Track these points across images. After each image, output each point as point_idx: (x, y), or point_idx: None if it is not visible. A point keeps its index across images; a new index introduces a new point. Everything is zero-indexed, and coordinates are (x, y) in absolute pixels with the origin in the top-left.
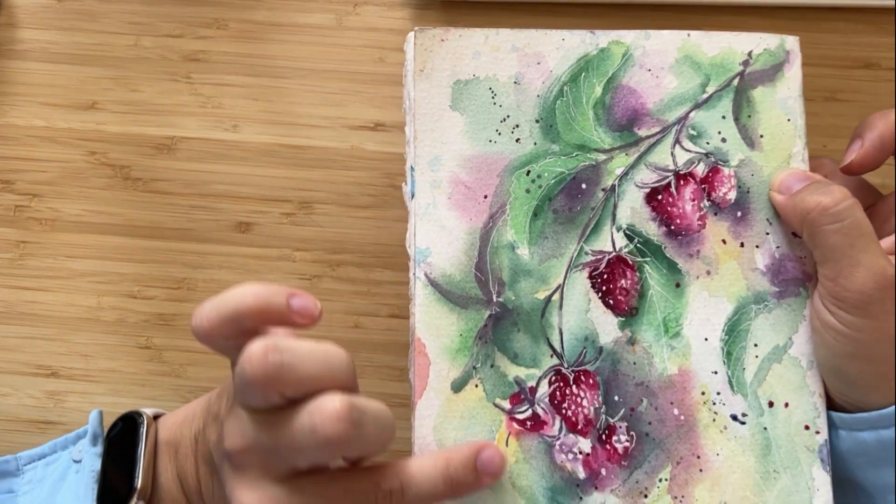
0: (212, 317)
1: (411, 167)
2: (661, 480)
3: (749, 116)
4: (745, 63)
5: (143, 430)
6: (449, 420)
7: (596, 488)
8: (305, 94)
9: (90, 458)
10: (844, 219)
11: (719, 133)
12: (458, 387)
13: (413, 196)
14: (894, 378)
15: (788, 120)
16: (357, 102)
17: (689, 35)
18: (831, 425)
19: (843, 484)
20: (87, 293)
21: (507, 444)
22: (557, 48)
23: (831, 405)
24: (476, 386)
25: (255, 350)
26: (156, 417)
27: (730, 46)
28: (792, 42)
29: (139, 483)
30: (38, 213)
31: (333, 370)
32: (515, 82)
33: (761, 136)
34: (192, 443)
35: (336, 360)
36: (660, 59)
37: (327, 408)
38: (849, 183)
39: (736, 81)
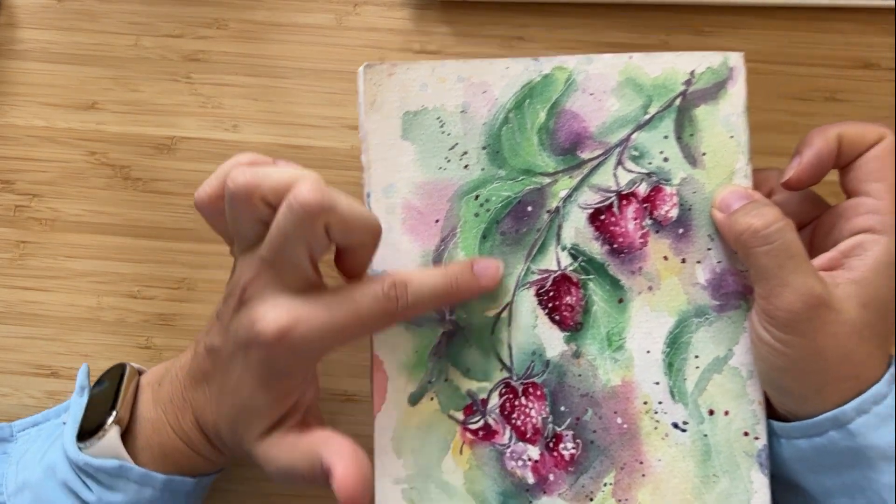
0: (213, 184)
1: (368, 193)
2: (605, 485)
3: (691, 135)
4: (688, 82)
5: (127, 371)
6: (407, 431)
7: (544, 493)
8: (305, 94)
9: (77, 409)
10: (774, 241)
11: (661, 153)
12: (414, 400)
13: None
14: (825, 389)
15: (731, 137)
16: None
17: (630, 58)
18: (773, 433)
19: (793, 489)
20: (87, 293)
21: (461, 453)
22: (502, 76)
23: (775, 414)
24: (431, 399)
25: (235, 168)
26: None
27: (672, 67)
28: (736, 59)
29: (119, 405)
30: (38, 213)
31: (304, 171)
32: (462, 111)
33: (704, 154)
34: (179, 370)
35: (305, 171)
36: (602, 83)
37: (298, 185)
38: (795, 195)
39: (678, 101)
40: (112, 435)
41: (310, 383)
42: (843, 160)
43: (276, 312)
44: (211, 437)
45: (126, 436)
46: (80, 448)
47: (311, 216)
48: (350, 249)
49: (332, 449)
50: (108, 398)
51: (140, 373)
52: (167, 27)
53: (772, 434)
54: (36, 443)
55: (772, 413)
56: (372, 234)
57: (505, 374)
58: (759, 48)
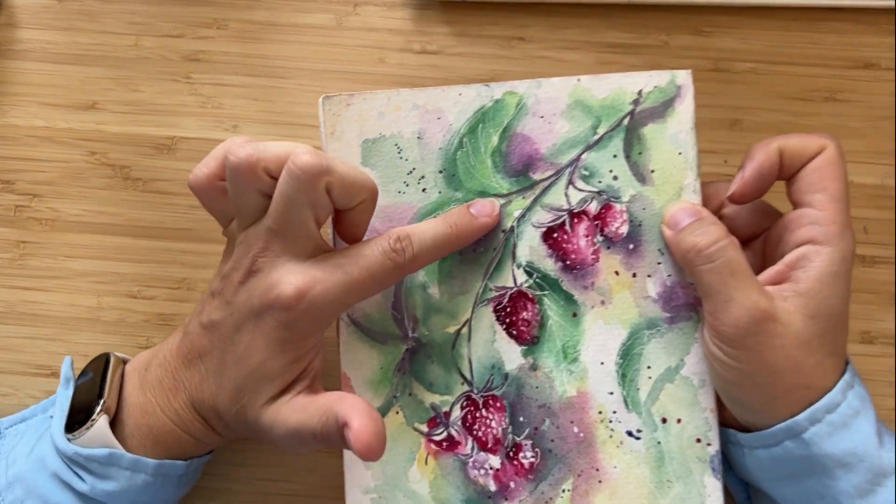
0: (210, 164)
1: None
2: (564, 491)
3: (640, 153)
4: (636, 102)
5: (111, 360)
6: None
7: (506, 499)
8: (305, 94)
9: (63, 401)
10: (716, 259)
11: (611, 171)
12: (381, 414)
13: (335, 244)
14: (778, 401)
15: (679, 153)
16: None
17: (579, 80)
18: (736, 444)
19: (767, 496)
20: (87, 293)
21: (426, 463)
22: (455, 103)
23: (738, 425)
24: (397, 413)
25: (234, 145)
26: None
27: (619, 87)
28: (683, 77)
29: (106, 394)
30: (38, 213)
31: (299, 146)
32: (419, 137)
33: (652, 172)
34: (167, 353)
35: (299, 144)
36: (552, 106)
37: (297, 152)
38: (746, 207)
39: (626, 121)
40: (101, 423)
41: (319, 349)
42: (787, 172)
43: (293, 276)
44: (205, 416)
45: (114, 424)
46: (69, 439)
47: (311, 178)
48: (350, 211)
49: (347, 404)
50: (94, 388)
51: (124, 361)
52: (167, 27)
53: (735, 444)
54: (24, 437)
55: (734, 424)
56: (370, 193)
57: (466, 388)
58: (758, 48)
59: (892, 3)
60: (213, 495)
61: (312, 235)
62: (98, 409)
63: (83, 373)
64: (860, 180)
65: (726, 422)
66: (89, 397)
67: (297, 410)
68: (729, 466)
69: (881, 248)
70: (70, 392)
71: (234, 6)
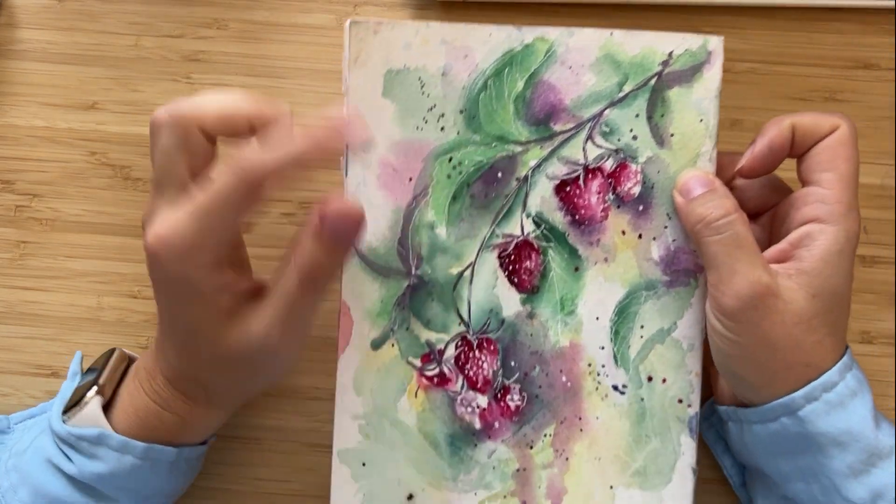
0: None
1: (346, 147)
2: (545, 435)
3: (662, 116)
4: (665, 63)
5: (117, 352)
6: (367, 373)
7: (489, 438)
8: (305, 95)
9: (66, 391)
10: (724, 232)
11: (631, 131)
12: (376, 345)
13: (346, 174)
14: (777, 377)
15: (701, 120)
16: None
17: (612, 34)
18: (733, 419)
19: (760, 475)
20: (87, 293)
21: (416, 396)
22: (484, 42)
23: (736, 402)
24: (392, 345)
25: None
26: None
27: (651, 46)
28: (715, 42)
29: (102, 378)
30: (39, 213)
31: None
32: (443, 74)
33: (672, 136)
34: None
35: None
36: (581, 57)
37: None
38: (757, 181)
39: (653, 81)
40: (93, 405)
41: (240, 269)
42: (798, 149)
43: (153, 225)
44: (184, 390)
45: (109, 410)
46: (63, 421)
47: (170, 127)
48: (260, 137)
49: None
50: (93, 377)
51: (132, 359)
52: (167, 27)
53: (734, 421)
54: (30, 431)
55: (734, 401)
56: (255, 112)
57: (462, 329)
58: (759, 48)
59: (892, 3)
60: (213, 495)
61: (184, 183)
62: (92, 391)
63: (90, 370)
64: (860, 180)
65: (725, 399)
66: (88, 384)
67: (258, 309)
68: (726, 448)
69: (881, 248)
70: (74, 384)
71: (235, 6)
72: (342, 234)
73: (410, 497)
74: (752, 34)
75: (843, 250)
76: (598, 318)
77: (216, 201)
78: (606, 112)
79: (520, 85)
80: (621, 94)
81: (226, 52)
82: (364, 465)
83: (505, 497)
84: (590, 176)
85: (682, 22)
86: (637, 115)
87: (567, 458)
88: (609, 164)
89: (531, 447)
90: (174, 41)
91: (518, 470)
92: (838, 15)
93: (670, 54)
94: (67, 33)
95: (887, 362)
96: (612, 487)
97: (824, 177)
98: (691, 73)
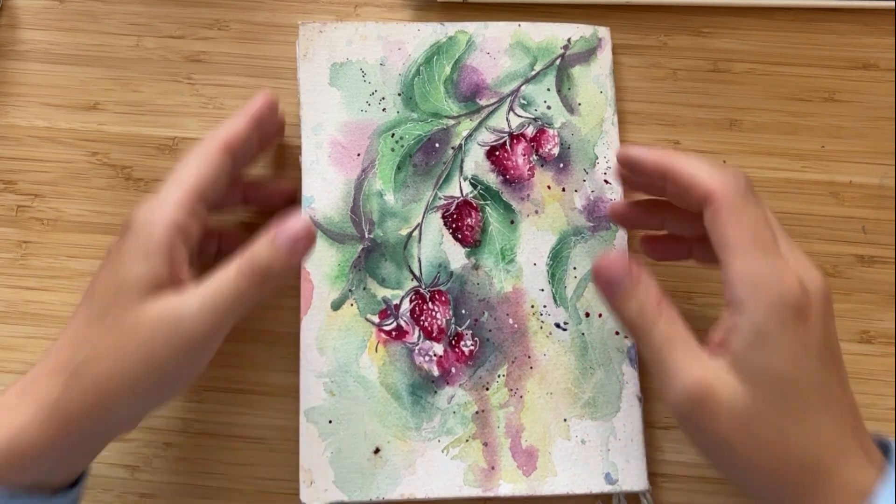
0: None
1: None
2: (499, 376)
3: (569, 89)
4: (565, 47)
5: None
6: (329, 332)
7: (447, 383)
8: None
9: None
10: (649, 332)
11: (545, 102)
12: (336, 306)
13: (302, 154)
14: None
15: (601, 92)
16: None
17: (519, 25)
18: None
19: None
20: None
21: (376, 351)
22: (415, 36)
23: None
24: (351, 305)
25: None
26: None
27: (553, 34)
28: (603, 31)
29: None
30: (40, 213)
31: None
32: (381, 64)
33: (579, 104)
34: None
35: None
36: (496, 45)
37: None
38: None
39: (558, 61)
40: None
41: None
42: (676, 201)
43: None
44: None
45: None
46: None
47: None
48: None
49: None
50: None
51: None
52: (168, 28)
53: None
54: None
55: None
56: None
57: (415, 284)
58: (758, 48)
59: (892, 3)
60: (213, 495)
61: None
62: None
63: None
64: (860, 180)
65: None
66: None
67: (188, 287)
68: None
69: (881, 248)
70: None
71: (235, 7)
72: (292, 245)
73: (377, 451)
74: (751, 34)
75: (772, 329)
76: (535, 264)
77: (194, 175)
78: (522, 88)
79: (447, 69)
80: (533, 73)
81: (227, 53)
82: (330, 422)
83: (467, 440)
84: (515, 141)
85: (682, 22)
86: (548, 89)
87: (521, 396)
88: (530, 131)
89: (487, 388)
90: (175, 42)
91: (477, 412)
92: (838, 15)
93: (569, 40)
94: (69, 34)
95: (887, 362)
96: (565, 420)
97: (721, 254)
98: (587, 55)
